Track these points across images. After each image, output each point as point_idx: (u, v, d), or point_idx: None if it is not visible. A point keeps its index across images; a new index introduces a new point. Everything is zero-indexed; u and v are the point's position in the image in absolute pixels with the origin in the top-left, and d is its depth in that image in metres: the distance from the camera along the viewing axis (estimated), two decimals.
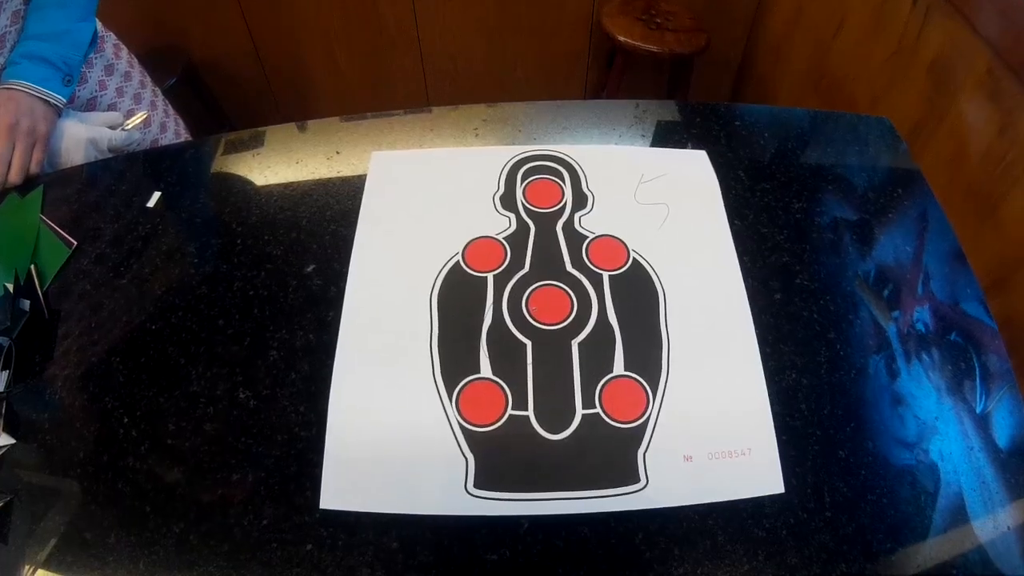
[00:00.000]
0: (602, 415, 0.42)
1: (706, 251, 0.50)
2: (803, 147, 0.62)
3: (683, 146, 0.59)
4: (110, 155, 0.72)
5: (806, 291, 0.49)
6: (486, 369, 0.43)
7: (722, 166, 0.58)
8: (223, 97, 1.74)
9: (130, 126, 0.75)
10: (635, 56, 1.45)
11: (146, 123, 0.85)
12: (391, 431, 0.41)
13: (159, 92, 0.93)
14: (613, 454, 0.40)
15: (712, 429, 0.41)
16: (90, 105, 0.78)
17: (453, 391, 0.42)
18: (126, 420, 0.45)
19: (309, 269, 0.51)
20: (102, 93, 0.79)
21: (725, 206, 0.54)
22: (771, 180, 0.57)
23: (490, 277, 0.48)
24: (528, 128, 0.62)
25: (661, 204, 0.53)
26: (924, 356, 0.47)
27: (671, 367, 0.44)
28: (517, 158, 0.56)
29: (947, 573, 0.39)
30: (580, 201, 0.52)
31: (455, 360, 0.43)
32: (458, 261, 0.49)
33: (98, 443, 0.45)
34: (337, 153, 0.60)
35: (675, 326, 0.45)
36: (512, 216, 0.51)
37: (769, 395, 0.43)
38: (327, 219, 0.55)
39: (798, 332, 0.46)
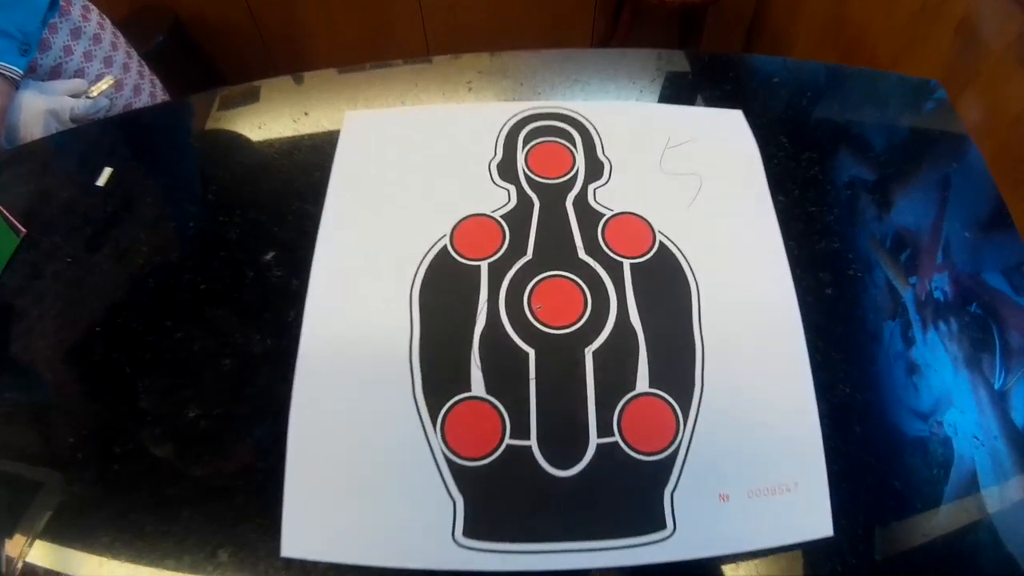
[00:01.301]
0: (621, 445, 0.30)
1: (747, 234, 0.37)
2: (853, 110, 0.48)
3: (714, 104, 0.45)
4: (73, 126, 0.60)
5: (861, 285, 0.37)
6: (478, 386, 0.31)
7: (760, 129, 0.43)
8: (214, 55, 1.57)
9: (95, 93, 0.63)
10: (643, 5, 1.26)
11: (118, 87, 0.74)
12: (362, 464, 0.30)
13: (134, 54, 0.80)
14: (635, 494, 0.30)
15: (753, 460, 0.30)
16: (55, 73, 0.67)
17: (438, 414, 0.30)
18: (62, 443, 0.34)
19: (268, 257, 0.38)
20: (68, 59, 0.67)
21: (767, 178, 0.41)
22: (818, 148, 0.44)
23: (484, 266, 0.35)
24: (531, 81, 0.47)
25: (692, 175, 0.39)
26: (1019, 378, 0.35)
27: (705, 382, 0.31)
28: (518, 117, 0.42)
29: None
30: (595, 170, 0.39)
31: (440, 374, 0.31)
32: (445, 246, 0.36)
33: (29, 474, 0.34)
34: (305, 115, 0.46)
35: (711, 329, 0.33)
36: (512, 189, 0.38)
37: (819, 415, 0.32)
38: (290, 195, 0.42)
39: (852, 336, 0.35)
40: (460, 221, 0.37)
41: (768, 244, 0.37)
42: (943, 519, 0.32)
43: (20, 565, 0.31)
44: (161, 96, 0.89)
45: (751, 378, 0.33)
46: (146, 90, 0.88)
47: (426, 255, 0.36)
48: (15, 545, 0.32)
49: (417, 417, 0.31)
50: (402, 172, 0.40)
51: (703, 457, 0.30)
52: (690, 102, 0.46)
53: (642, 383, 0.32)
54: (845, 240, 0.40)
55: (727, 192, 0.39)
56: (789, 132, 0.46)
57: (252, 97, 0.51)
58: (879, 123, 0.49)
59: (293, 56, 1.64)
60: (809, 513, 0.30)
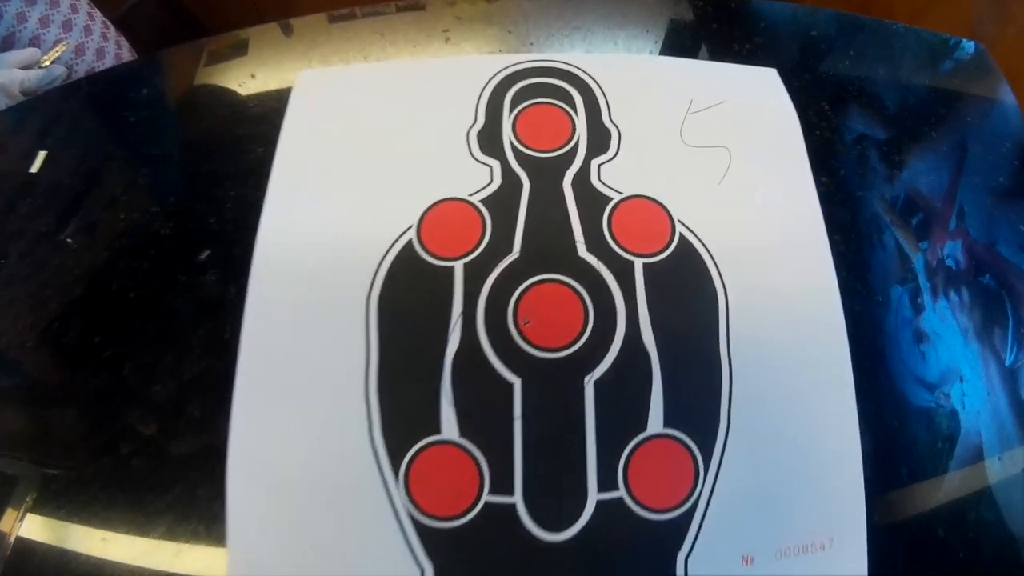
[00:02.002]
0: (628, 501, 0.23)
1: (786, 225, 0.28)
2: (902, 74, 0.38)
3: (743, 61, 0.35)
4: (23, 99, 0.52)
5: (917, 292, 0.30)
6: (450, 426, 0.23)
7: (798, 93, 0.33)
8: (195, 5, 1.44)
9: (48, 62, 0.56)
10: None
11: (79, 52, 0.66)
12: (311, 521, 0.23)
13: (97, 15, 0.70)
14: (641, 561, 0.23)
15: (786, 512, 0.23)
16: (7, 43, 0.59)
17: (400, 461, 0.23)
18: None
19: (203, 256, 0.30)
20: (21, 27, 0.60)
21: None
22: (865, 119, 0.35)
23: (458, 268, 0.26)
24: (522, 29, 0.37)
25: (719, 147, 0.29)
26: None
27: (733, 418, 0.24)
28: (505, 74, 0.31)
29: None
30: (600, 141, 0.29)
31: (403, 410, 0.24)
32: (410, 242, 0.26)
33: None
34: (252, 77, 0.36)
35: (742, 350, 0.25)
36: (495, 165, 0.28)
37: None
38: (230, 177, 0.32)
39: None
40: (429, 208, 0.27)
41: (810, 240, 0.27)
42: (945, 492, 0.28)
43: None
44: (129, 58, 0.81)
45: (788, 412, 0.24)
46: (111, 53, 0.78)
47: (386, 254, 0.26)
48: None
49: (375, 465, 0.23)
50: (360, 146, 0.30)
51: (726, 512, 0.23)
52: (717, 56, 0.36)
53: (655, 422, 0.24)
54: (998, 275, 0.31)
55: (762, 171, 0.29)
56: (832, 98, 0.35)
57: (193, 60, 0.41)
58: (932, 91, 0.40)
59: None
60: (845, 571, 0.23)
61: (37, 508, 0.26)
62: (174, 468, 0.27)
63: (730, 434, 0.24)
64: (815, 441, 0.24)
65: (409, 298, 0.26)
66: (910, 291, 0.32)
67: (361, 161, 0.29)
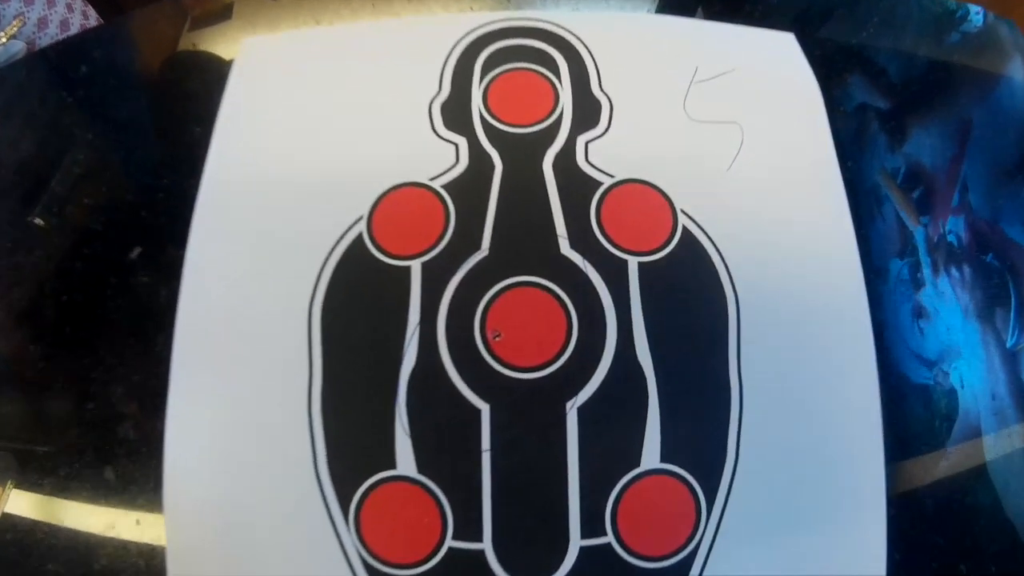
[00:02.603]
0: (616, 547, 0.18)
1: (809, 217, 0.22)
2: (911, 43, 0.33)
3: (757, 24, 0.29)
4: None
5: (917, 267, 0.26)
6: (406, 460, 0.19)
7: (819, 63, 0.28)
8: None
9: (4, 38, 0.50)
10: None
11: (42, 24, 0.60)
12: (254, 568, 0.19)
13: None
14: None
15: (798, 560, 0.19)
16: None
17: (350, 500, 0.18)
18: None
19: (134, 255, 0.24)
20: None
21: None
22: (896, 95, 0.29)
23: (415, 267, 0.20)
24: None
25: (730, 123, 0.23)
26: None
27: (742, 450, 0.19)
28: (476, 35, 0.25)
29: None
30: (587, 114, 0.23)
31: (351, 440, 0.19)
32: (359, 236, 0.21)
33: None
34: (193, 45, 0.29)
35: (755, 369, 0.20)
36: (462, 143, 0.22)
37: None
38: (164, 163, 0.27)
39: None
40: (382, 196, 0.21)
41: (836, 237, 0.22)
42: (943, 472, 0.25)
43: None
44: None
45: (805, 444, 0.19)
46: (76, 24, 0.71)
47: (331, 252, 0.21)
48: None
49: (322, 503, 0.18)
50: (305, 125, 0.23)
51: (730, 559, 0.19)
52: (721, 17, 0.29)
53: (651, 455, 0.19)
54: (1001, 253, 0.26)
55: (780, 152, 0.23)
56: (860, 68, 0.30)
57: (169, 23, 0.35)
58: (942, 62, 0.35)
59: None
60: None
61: None
62: (108, 497, 0.22)
63: (738, 469, 0.19)
64: (835, 478, 0.19)
65: (357, 305, 0.20)
66: (910, 265, 0.28)
67: (305, 142, 0.23)
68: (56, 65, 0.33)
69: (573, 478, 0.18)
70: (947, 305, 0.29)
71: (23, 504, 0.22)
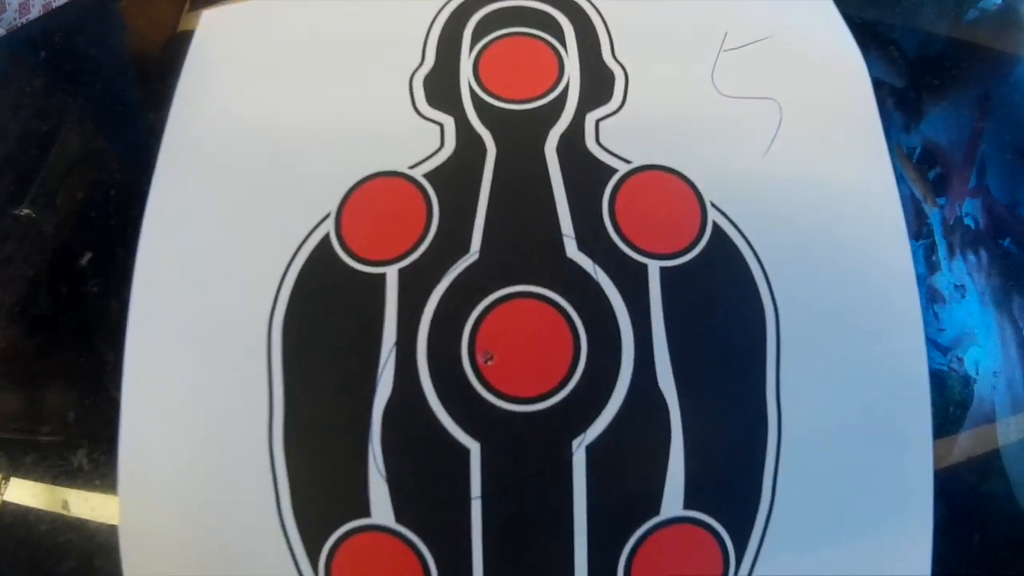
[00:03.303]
0: None
1: (860, 213, 0.17)
2: (949, 23, 0.27)
3: None
4: None
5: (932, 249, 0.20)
6: (382, 507, 0.15)
7: (861, 32, 0.22)
8: None
9: None
10: None
11: (23, 11, 0.54)
12: None
13: None
14: None
15: None
16: None
17: (319, 550, 0.15)
18: None
19: (84, 261, 0.20)
20: None
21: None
22: (912, 73, 0.24)
23: (391, 275, 0.16)
24: None
25: (766, 99, 0.18)
26: None
27: (778, 494, 0.15)
28: None
29: None
30: (599, 87, 0.18)
31: (318, 482, 0.15)
32: (326, 237, 0.16)
33: None
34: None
35: (796, 395, 0.15)
36: (448, 123, 0.17)
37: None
38: (117, 156, 0.23)
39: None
40: (353, 188, 0.17)
41: (888, 233, 0.17)
42: (955, 458, 0.22)
43: None
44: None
45: (853, 483, 0.15)
46: (37, 5, 0.66)
47: (293, 257, 0.16)
48: None
49: (288, 554, 0.15)
50: (266, 104, 0.18)
51: None
52: None
53: (672, 501, 0.14)
54: (1019, 239, 0.21)
55: (824, 135, 0.18)
56: (872, 44, 0.23)
57: (113, 9, 0.29)
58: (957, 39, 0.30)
59: None
60: None
61: None
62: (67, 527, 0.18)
63: (773, 514, 0.15)
64: (882, 525, 0.15)
65: (323, 321, 0.16)
66: (925, 247, 0.25)
67: (265, 126, 0.18)
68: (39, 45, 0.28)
69: (580, 530, 0.14)
70: (962, 290, 0.26)
71: None
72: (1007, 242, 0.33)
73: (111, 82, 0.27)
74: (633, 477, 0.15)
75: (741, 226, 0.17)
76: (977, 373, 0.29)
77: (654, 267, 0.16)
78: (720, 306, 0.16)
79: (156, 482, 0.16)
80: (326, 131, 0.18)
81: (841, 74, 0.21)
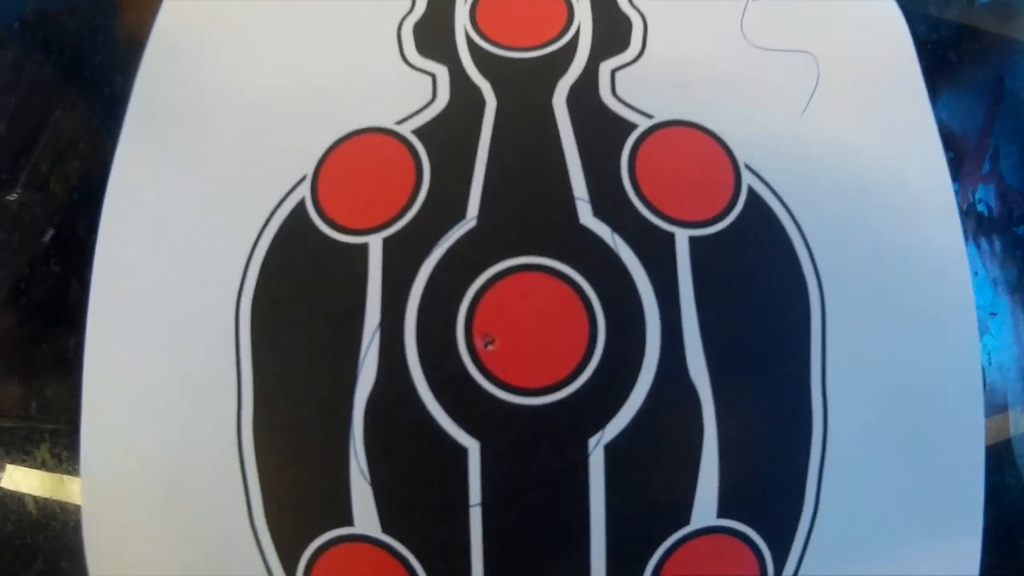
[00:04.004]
0: None
1: (909, 179, 0.14)
2: (962, 7, 0.23)
3: None
4: None
5: None
6: (366, 515, 0.12)
7: None
8: None
9: None
10: None
11: None
12: None
13: None
14: None
15: None
16: None
17: (296, 563, 0.12)
18: None
19: (46, 239, 0.17)
20: None
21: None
22: (924, 56, 0.17)
23: (375, 244, 0.13)
24: None
25: (801, 53, 0.15)
26: None
27: (824, 495, 0.12)
28: None
29: None
30: (613, 33, 0.15)
31: (294, 488, 0.12)
32: (301, 202, 0.13)
33: None
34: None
35: (843, 384, 0.12)
36: (441, 73, 0.14)
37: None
38: (80, 124, 0.19)
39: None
40: (332, 147, 0.14)
41: (937, 207, 0.14)
42: None
43: None
44: None
45: (901, 480, 0.12)
46: None
47: (265, 226, 0.13)
48: None
49: (262, 567, 0.12)
50: (238, 54, 0.15)
51: None
52: None
53: (704, 509, 0.12)
54: None
55: (866, 94, 0.15)
56: (913, 21, 0.22)
57: None
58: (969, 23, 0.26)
59: None
60: None
61: None
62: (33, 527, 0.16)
63: (817, 523, 0.12)
64: (933, 530, 0.13)
65: (296, 299, 0.13)
66: None
67: (236, 78, 0.15)
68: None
69: (598, 543, 0.11)
70: (975, 278, 0.24)
71: None
72: (1021, 229, 0.31)
73: (103, 64, 0.25)
74: (659, 481, 0.12)
75: (779, 191, 0.13)
76: (989, 362, 0.27)
77: (682, 236, 0.13)
78: (758, 283, 0.13)
79: (119, 483, 0.13)
80: (303, 86, 0.15)
81: (883, 35, 0.17)
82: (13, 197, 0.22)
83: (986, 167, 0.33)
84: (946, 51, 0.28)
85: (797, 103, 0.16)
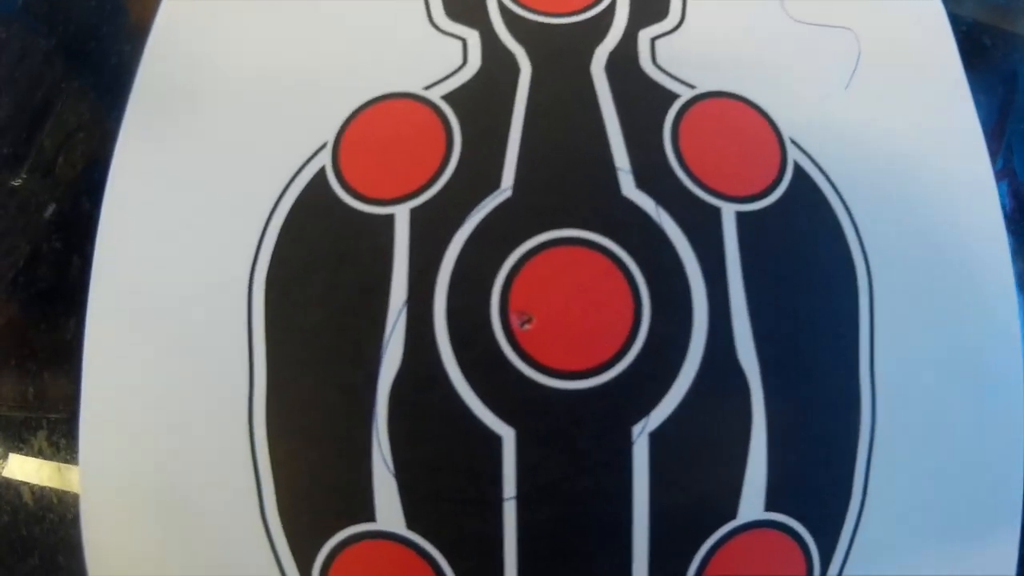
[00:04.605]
0: None
1: (943, 157, 0.13)
2: (975, 3, 0.23)
3: None
4: None
5: None
6: (390, 511, 0.10)
7: None
8: None
9: None
10: None
11: None
12: None
13: None
14: None
15: None
16: None
17: (311, 561, 0.11)
18: None
19: (48, 213, 0.15)
20: None
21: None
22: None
23: (401, 215, 0.11)
24: None
25: (842, 28, 0.14)
26: None
27: (871, 488, 0.11)
28: None
29: None
30: (651, 1, 0.13)
31: (310, 480, 0.11)
32: (322, 171, 0.12)
33: None
34: None
35: (891, 370, 0.11)
36: (471, 37, 0.13)
37: None
38: (85, 93, 0.17)
39: None
40: (355, 113, 0.12)
41: (978, 186, 0.13)
42: None
43: None
44: None
45: (946, 471, 0.11)
46: None
47: (282, 196, 0.12)
48: None
49: (275, 566, 0.10)
50: (255, 18, 0.13)
51: None
52: None
53: (752, 502, 0.10)
54: None
55: (904, 74, 0.14)
56: None
57: None
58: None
59: None
60: None
61: None
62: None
63: (864, 516, 0.11)
64: (977, 523, 0.11)
65: (315, 275, 0.11)
66: None
67: (252, 42, 0.13)
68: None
69: (640, 538, 0.10)
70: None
71: None
72: None
73: (110, 49, 0.23)
74: (706, 472, 0.10)
75: (825, 168, 0.12)
76: None
77: (728, 211, 0.11)
78: (807, 262, 0.11)
79: (120, 472, 0.12)
80: (324, 52, 0.13)
81: (920, 14, 0.17)
82: (19, 181, 0.20)
83: (999, 163, 0.32)
84: (959, 47, 0.27)
85: (839, 78, 0.15)
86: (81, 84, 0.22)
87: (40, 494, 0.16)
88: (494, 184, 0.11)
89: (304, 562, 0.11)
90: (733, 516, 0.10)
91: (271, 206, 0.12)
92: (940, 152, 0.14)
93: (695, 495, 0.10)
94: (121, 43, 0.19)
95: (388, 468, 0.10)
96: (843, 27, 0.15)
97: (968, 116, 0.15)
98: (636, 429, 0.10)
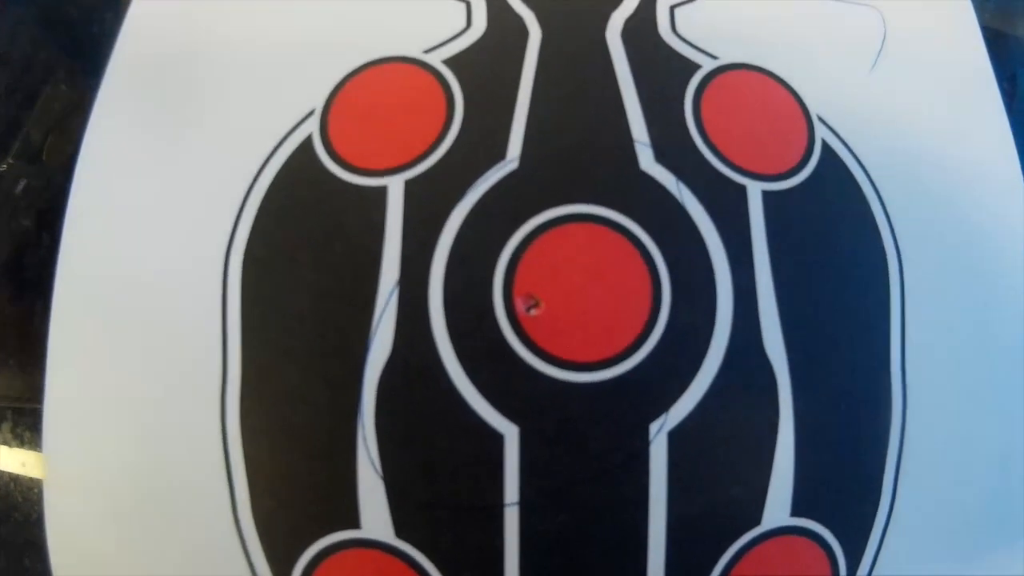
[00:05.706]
0: None
1: (969, 142, 0.11)
2: (978, 5, 0.20)
3: None
4: None
5: None
6: (376, 516, 0.08)
7: None
8: None
9: None
10: None
11: None
12: None
13: None
14: None
15: None
16: None
17: (290, 572, 0.09)
18: None
19: (19, 189, 0.13)
20: None
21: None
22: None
23: (395, 187, 0.09)
24: None
25: (866, 6, 0.12)
26: None
27: (900, 490, 0.09)
28: None
29: None
30: None
31: (288, 481, 0.09)
32: (308, 140, 0.10)
33: None
34: None
35: (923, 364, 0.10)
36: (476, 0, 0.11)
37: None
38: (60, 59, 0.14)
39: None
40: (347, 77, 0.10)
41: (1003, 167, 0.11)
42: None
43: None
44: None
45: (977, 472, 0.10)
46: None
47: (264, 165, 0.10)
48: None
49: (248, 573, 0.09)
50: None
51: None
52: None
53: (777, 506, 0.09)
54: None
55: (930, 58, 0.12)
56: None
57: None
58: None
59: None
60: None
61: None
62: None
63: (892, 520, 0.09)
64: (1008, 523, 0.10)
65: (298, 251, 0.09)
66: None
67: (239, 4, 0.11)
68: None
69: (656, 548, 0.08)
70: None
71: None
72: None
73: (100, 34, 0.21)
74: (729, 474, 0.09)
75: (854, 148, 0.10)
76: None
77: (755, 189, 0.09)
78: (837, 246, 0.10)
79: (86, 466, 0.09)
80: (315, 12, 0.11)
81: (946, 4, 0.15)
82: (4, 167, 0.18)
83: None
84: None
85: (865, 58, 0.13)
86: (69, 70, 0.20)
87: (5, 491, 0.14)
88: (499, 154, 0.09)
89: (281, 572, 0.09)
90: (757, 522, 0.09)
91: (251, 179, 0.10)
92: (968, 140, 0.12)
93: (717, 500, 0.09)
94: (103, 11, 0.17)
95: (375, 469, 0.09)
96: (867, 4, 0.14)
97: (994, 103, 0.13)
98: (654, 427, 0.09)
